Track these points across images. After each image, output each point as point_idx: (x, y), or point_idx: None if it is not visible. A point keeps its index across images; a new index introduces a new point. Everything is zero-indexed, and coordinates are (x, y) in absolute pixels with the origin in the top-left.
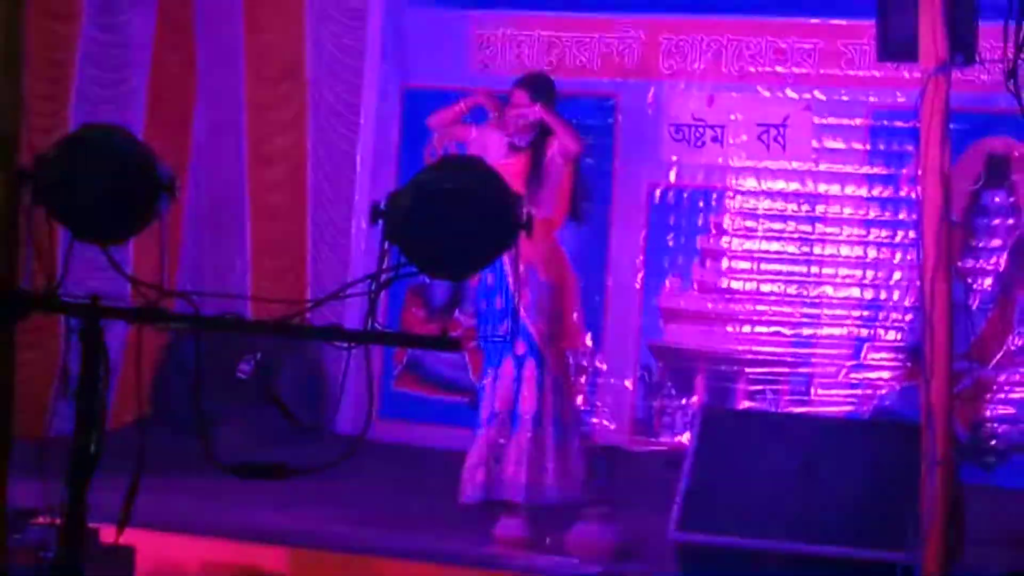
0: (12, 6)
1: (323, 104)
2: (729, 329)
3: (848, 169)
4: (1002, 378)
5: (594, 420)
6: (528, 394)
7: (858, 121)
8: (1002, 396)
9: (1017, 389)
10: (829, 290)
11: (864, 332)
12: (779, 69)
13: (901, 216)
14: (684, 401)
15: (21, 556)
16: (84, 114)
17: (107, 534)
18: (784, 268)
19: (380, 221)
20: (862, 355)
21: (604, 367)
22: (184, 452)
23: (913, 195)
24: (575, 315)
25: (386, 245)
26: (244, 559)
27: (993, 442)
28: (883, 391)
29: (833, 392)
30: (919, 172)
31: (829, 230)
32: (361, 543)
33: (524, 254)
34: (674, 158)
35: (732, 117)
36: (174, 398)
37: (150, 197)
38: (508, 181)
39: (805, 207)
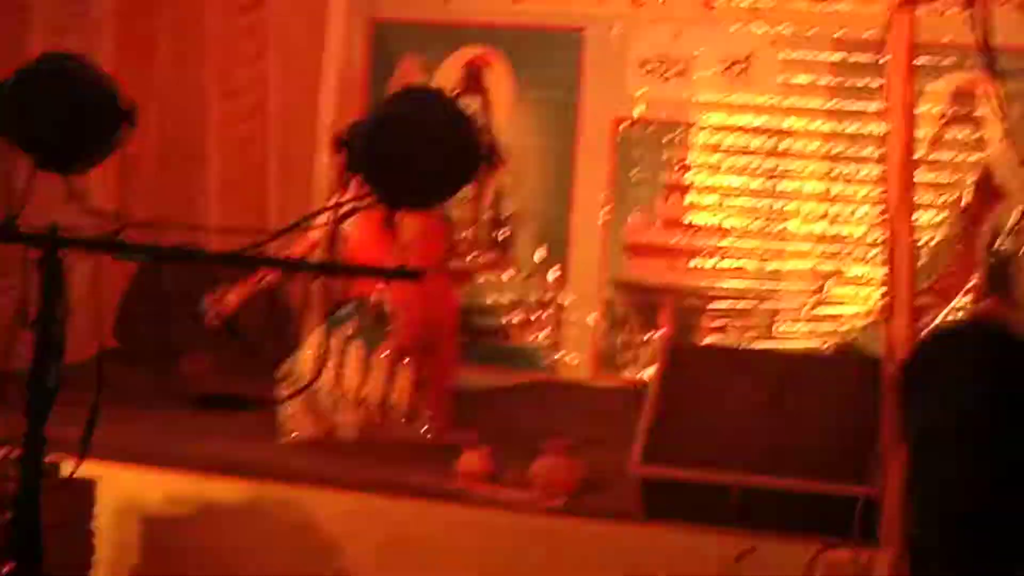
0: None
1: (288, 36)
2: (693, 264)
3: (813, 104)
4: (964, 314)
5: (558, 355)
6: None
7: (824, 55)
8: None
9: None
10: (793, 225)
11: (828, 267)
12: (745, 4)
13: (866, 152)
14: (648, 336)
15: None
16: (48, 44)
17: (68, 467)
18: (748, 203)
19: (342, 152)
20: (825, 291)
21: (568, 301)
22: (148, 384)
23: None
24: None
25: (348, 176)
26: (206, 492)
27: None
28: (846, 327)
29: (797, 327)
30: (885, 107)
31: (794, 165)
32: (323, 475)
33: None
34: (639, 93)
35: (696, 51)
36: (140, 329)
37: (111, 127)
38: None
39: (770, 142)
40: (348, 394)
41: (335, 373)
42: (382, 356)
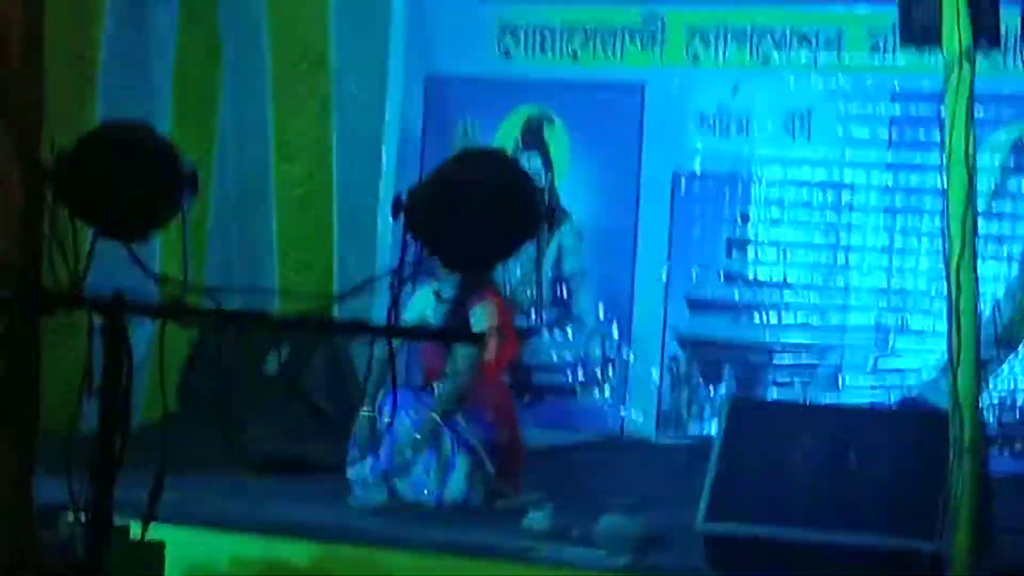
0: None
1: (348, 95)
2: (756, 319)
3: (874, 157)
4: None
5: (622, 412)
6: None
7: (883, 108)
8: None
9: None
10: (856, 278)
11: (891, 320)
12: (803, 58)
13: (927, 204)
14: (711, 392)
15: (50, 552)
16: (109, 110)
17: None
18: (811, 257)
19: (402, 215)
20: (889, 344)
21: (631, 358)
22: (212, 448)
23: (939, 183)
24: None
25: (408, 239)
26: (273, 554)
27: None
28: (911, 379)
29: (861, 381)
30: (944, 159)
31: (855, 218)
32: (389, 537)
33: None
34: (699, 147)
35: (756, 106)
36: (202, 394)
37: (173, 192)
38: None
39: (831, 195)
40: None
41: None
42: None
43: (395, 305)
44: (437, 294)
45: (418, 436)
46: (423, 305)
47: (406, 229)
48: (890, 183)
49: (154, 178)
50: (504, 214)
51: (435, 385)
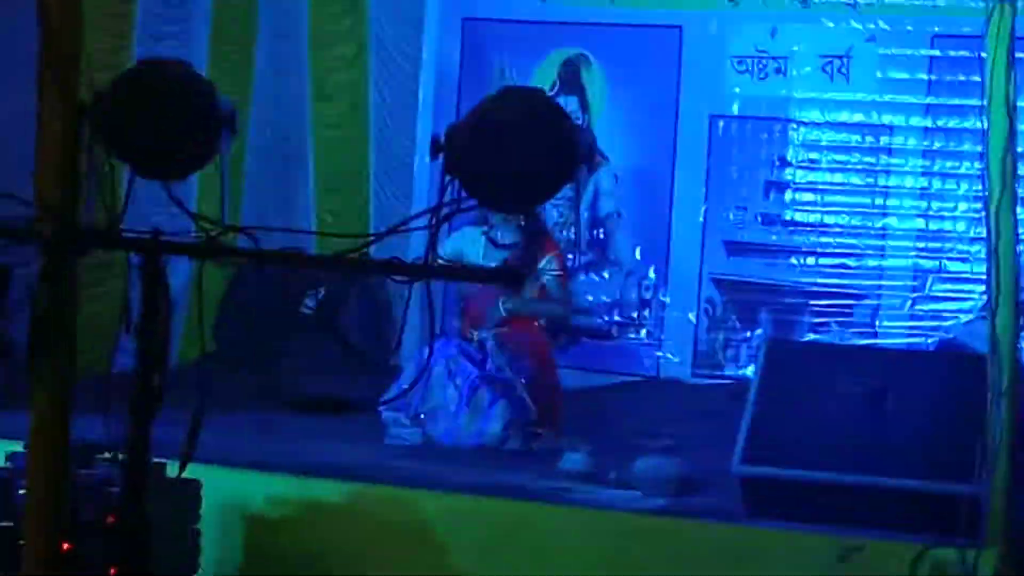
0: None
1: (385, 38)
2: (793, 261)
3: (912, 100)
4: None
5: (659, 354)
6: None
7: (923, 51)
8: None
9: None
10: (894, 221)
11: (929, 263)
12: None
13: (966, 147)
14: (748, 334)
15: (87, 491)
16: (146, 50)
17: (173, 470)
18: (848, 200)
19: (440, 155)
20: (927, 287)
21: (667, 300)
22: (247, 388)
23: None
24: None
25: (447, 179)
26: (307, 494)
27: None
28: (948, 323)
29: (898, 324)
30: (984, 102)
31: (893, 161)
32: (424, 478)
33: (510, 343)
34: (737, 90)
35: (795, 48)
36: (237, 334)
37: (211, 132)
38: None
39: (869, 138)
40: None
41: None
42: (479, 397)
43: (432, 245)
44: (491, 239)
45: (455, 381)
46: (469, 246)
47: (444, 169)
48: (929, 126)
49: (192, 117)
50: (543, 154)
51: (475, 332)
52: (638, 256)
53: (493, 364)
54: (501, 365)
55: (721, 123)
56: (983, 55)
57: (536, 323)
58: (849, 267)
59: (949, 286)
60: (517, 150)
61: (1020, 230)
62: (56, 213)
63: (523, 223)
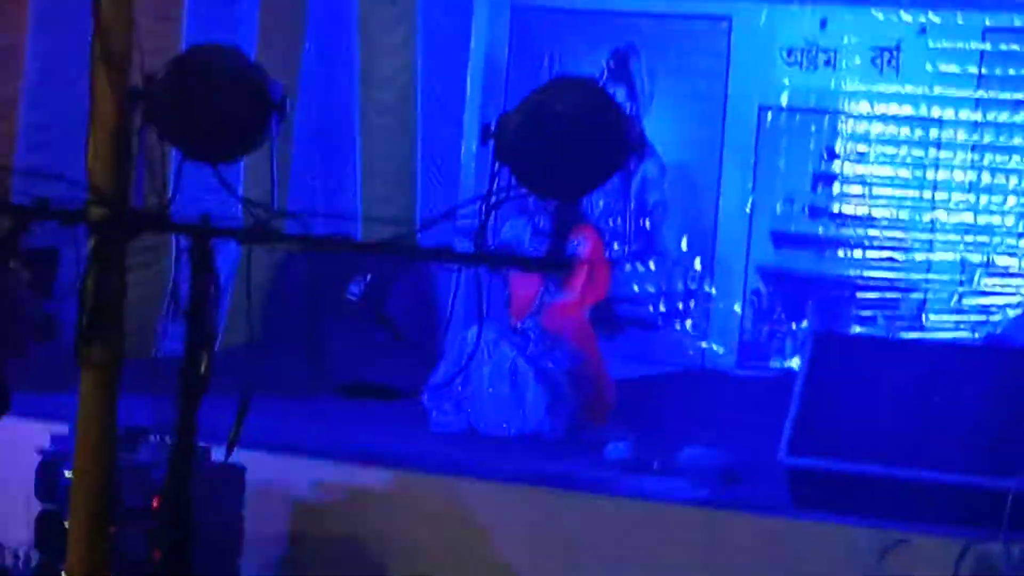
0: None
1: (433, 25)
2: (840, 254)
3: (962, 93)
4: None
5: (704, 344)
6: None
7: (973, 44)
8: None
9: None
10: (942, 215)
11: (977, 258)
12: None
13: (1016, 141)
14: (794, 326)
15: (133, 474)
16: (196, 36)
17: (218, 454)
18: (896, 193)
19: (490, 142)
20: (975, 281)
21: (713, 291)
22: (294, 373)
23: None
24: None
25: (497, 166)
26: (351, 480)
27: None
28: (996, 317)
29: (945, 318)
30: None
31: (943, 154)
32: (468, 466)
33: (553, 331)
34: (786, 81)
35: (845, 40)
36: (285, 319)
37: (261, 117)
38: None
39: (918, 131)
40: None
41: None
42: (522, 382)
43: (482, 231)
44: (535, 226)
45: (498, 369)
46: (517, 235)
47: (495, 156)
48: (979, 120)
49: (242, 101)
50: (593, 143)
51: (521, 320)
52: (684, 247)
53: (537, 352)
54: (546, 353)
55: (770, 114)
56: None
57: (583, 311)
58: (897, 260)
59: (997, 280)
60: (567, 139)
61: None
62: (107, 196)
63: (557, 209)
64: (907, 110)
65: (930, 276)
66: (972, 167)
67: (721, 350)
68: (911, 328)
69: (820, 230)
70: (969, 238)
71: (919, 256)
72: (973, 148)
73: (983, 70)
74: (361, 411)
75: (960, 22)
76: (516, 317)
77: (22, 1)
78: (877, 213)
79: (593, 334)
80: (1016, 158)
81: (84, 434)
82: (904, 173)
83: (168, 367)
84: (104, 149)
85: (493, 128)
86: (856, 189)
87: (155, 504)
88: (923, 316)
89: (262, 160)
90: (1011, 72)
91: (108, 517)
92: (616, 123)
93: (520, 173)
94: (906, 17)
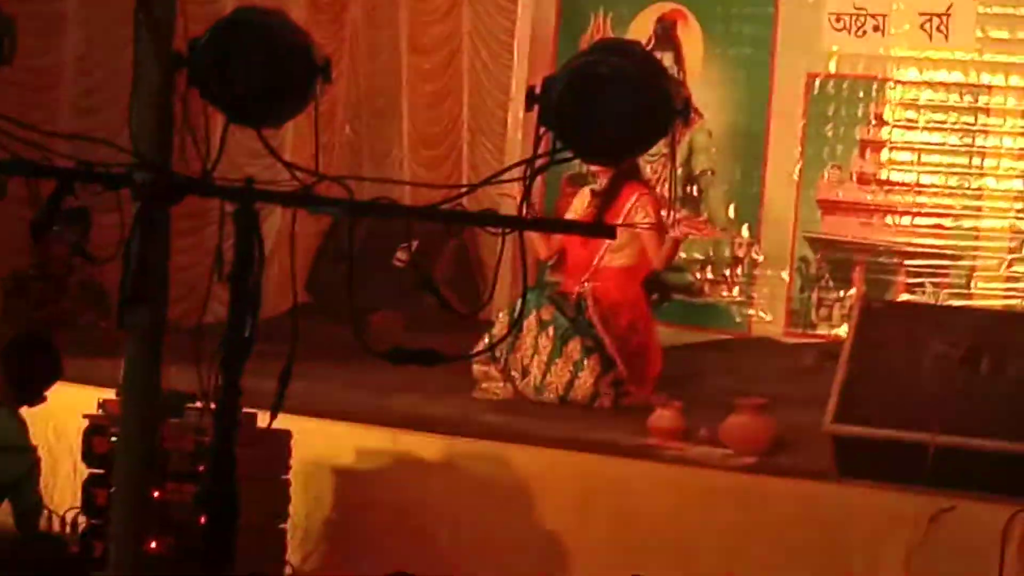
0: None
1: None
2: (888, 221)
3: (1013, 59)
4: None
5: (750, 312)
6: None
7: (1023, 9)
8: None
9: None
10: (991, 182)
11: None
12: None
13: None
14: (842, 293)
15: (178, 439)
16: (241, 3)
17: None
18: (945, 160)
19: (536, 106)
20: None
21: (761, 258)
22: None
23: None
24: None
25: (541, 130)
26: (396, 446)
27: None
28: None
29: (994, 285)
30: None
31: (992, 121)
32: (515, 432)
33: (605, 298)
34: (834, 47)
35: (894, 6)
36: (330, 286)
37: (305, 81)
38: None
39: (968, 98)
40: (532, 380)
41: (525, 346)
42: (571, 349)
43: (526, 195)
44: (592, 190)
45: (547, 333)
46: (579, 201)
47: (540, 119)
48: None
49: (286, 64)
50: (639, 107)
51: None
52: (732, 214)
53: (585, 319)
54: (594, 320)
55: (817, 81)
56: None
57: (634, 278)
58: (945, 227)
59: None
60: (613, 102)
61: None
62: (151, 161)
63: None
64: (956, 76)
65: (979, 243)
66: (1022, 134)
67: (768, 317)
68: (959, 296)
69: (868, 197)
70: (1019, 205)
71: (968, 223)
72: (1023, 115)
73: None
74: (408, 377)
75: None
76: (571, 280)
77: None
78: (925, 180)
79: (646, 301)
80: None
81: (130, 399)
82: (953, 140)
83: (214, 333)
84: (148, 114)
85: (538, 91)
86: (905, 156)
87: (201, 470)
88: (971, 284)
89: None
90: None
91: (154, 482)
92: (662, 87)
93: (565, 136)
94: None
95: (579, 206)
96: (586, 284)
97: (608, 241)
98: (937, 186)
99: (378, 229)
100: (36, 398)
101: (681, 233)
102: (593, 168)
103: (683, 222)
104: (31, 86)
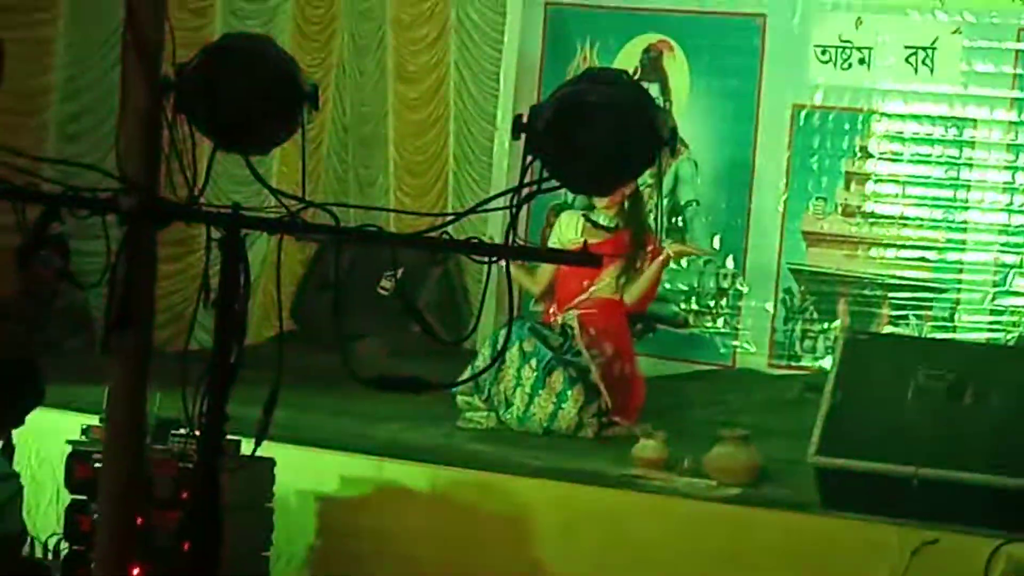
0: None
1: (467, 21)
2: (873, 253)
3: (998, 92)
4: None
5: (735, 343)
6: None
7: (1008, 44)
8: None
9: None
10: (976, 215)
11: (1010, 258)
12: None
13: None
14: (826, 325)
15: (162, 466)
16: (229, 26)
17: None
18: (930, 192)
19: (522, 135)
20: (1008, 281)
21: (745, 289)
22: (325, 367)
23: None
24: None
25: (528, 159)
26: (381, 474)
27: None
28: None
29: (978, 318)
30: None
31: (977, 154)
32: (500, 462)
33: (592, 325)
34: (820, 80)
35: (879, 39)
36: (315, 313)
37: (293, 108)
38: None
39: (953, 131)
40: (515, 411)
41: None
42: (554, 380)
43: (513, 225)
44: (591, 220)
45: (530, 364)
46: (566, 230)
47: (527, 148)
48: (1014, 119)
49: (274, 91)
50: (626, 137)
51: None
52: (716, 245)
53: (570, 348)
54: (579, 349)
55: (803, 112)
56: None
57: (621, 309)
58: (929, 260)
59: None
60: (599, 132)
61: None
62: (138, 186)
63: (627, 207)
64: (942, 109)
65: (963, 276)
66: (1007, 167)
67: (752, 349)
68: (943, 328)
69: (853, 229)
70: (1003, 239)
71: (952, 256)
72: (1008, 148)
73: (1018, 69)
74: (391, 405)
75: (995, 22)
76: (558, 309)
77: None
78: (910, 213)
79: (629, 332)
80: None
81: (114, 426)
82: (938, 172)
83: (199, 359)
84: (135, 139)
85: (525, 120)
86: (889, 188)
87: (184, 496)
88: (955, 316)
89: (293, 155)
90: None
91: (138, 509)
92: (649, 116)
93: (551, 165)
94: (941, 17)
95: (568, 233)
96: (571, 312)
97: (603, 271)
98: (922, 219)
99: (363, 257)
100: (17, 424)
101: (675, 252)
102: (600, 202)
103: (675, 244)
104: (16, 111)
